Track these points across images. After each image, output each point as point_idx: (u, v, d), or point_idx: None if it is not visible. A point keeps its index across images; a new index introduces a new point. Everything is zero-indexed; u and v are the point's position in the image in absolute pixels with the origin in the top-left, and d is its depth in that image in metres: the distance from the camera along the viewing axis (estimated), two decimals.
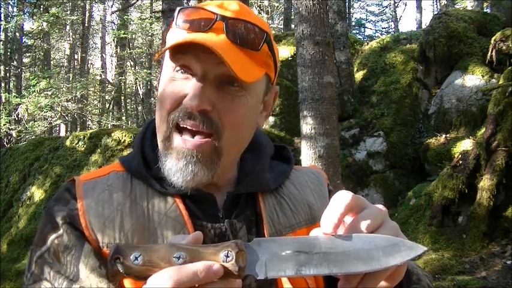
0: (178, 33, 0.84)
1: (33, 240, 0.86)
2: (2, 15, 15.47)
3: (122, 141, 7.02)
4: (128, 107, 21.62)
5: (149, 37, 20.72)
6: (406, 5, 47.28)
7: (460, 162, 5.77)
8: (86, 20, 19.68)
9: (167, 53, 0.85)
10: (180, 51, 0.80)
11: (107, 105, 20.24)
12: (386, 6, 27.26)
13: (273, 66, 0.89)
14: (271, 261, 0.66)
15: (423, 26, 15.14)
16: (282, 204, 0.93)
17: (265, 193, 0.93)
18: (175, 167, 0.82)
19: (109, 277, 0.64)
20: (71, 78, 17.67)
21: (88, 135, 7.49)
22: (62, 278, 0.79)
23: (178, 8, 0.85)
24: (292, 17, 9.30)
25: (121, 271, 0.61)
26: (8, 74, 16.78)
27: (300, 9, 4.87)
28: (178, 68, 0.83)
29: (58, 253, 0.81)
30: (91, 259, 0.80)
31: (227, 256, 0.63)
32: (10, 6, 16.75)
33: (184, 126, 0.81)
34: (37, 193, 7.31)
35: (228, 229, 0.85)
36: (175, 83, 0.83)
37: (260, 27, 0.84)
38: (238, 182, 0.92)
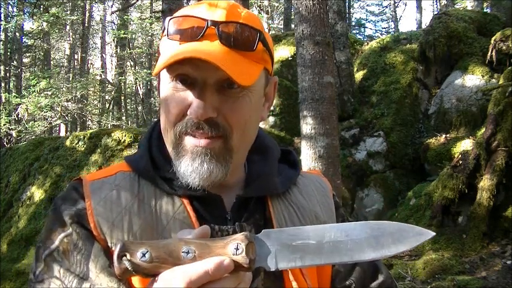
0: (171, 45, 0.83)
1: (40, 238, 0.85)
2: (2, 15, 15.43)
3: (122, 141, 7.00)
4: (128, 107, 21.60)
5: (149, 37, 20.71)
6: (406, 5, 47.24)
7: (460, 162, 5.76)
8: (86, 20, 19.66)
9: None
10: (177, 62, 0.79)
11: (107, 105, 20.22)
12: (387, 6, 27.25)
13: (269, 59, 0.88)
14: (281, 252, 0.65)
15: (423, 26, 15.13)
16: (290, 211, 0.93)
17: (274, 198, 0.92)
18: (191, 168, 0.81)
19: (117, 276, 0.62)
20: (71, 78, 17.62)
21: (88, 135, 7.47)
22: (72, 275, 0.79)
23: (168, 18, 0.84)
24: (292, 17, 9.29)
25: (129, 269, 0.60)
26: (8, 74, 16.75)
27: (300, 9, 4.87)
28: (177, 77, 0.82)
29: (67, 252, 0.81)
30: (101, 258, 0.80)
31: (237, 249, 0.61)
32: (10, 6, 16.73)
33: (194, 135, 0.82)
34: (37, 193, 7.30)
35: (237, 232, 0.84)
36: (177, 93, 0.82)
37: (252, 26, 0.83)
38: (247, 184, 0.91)
